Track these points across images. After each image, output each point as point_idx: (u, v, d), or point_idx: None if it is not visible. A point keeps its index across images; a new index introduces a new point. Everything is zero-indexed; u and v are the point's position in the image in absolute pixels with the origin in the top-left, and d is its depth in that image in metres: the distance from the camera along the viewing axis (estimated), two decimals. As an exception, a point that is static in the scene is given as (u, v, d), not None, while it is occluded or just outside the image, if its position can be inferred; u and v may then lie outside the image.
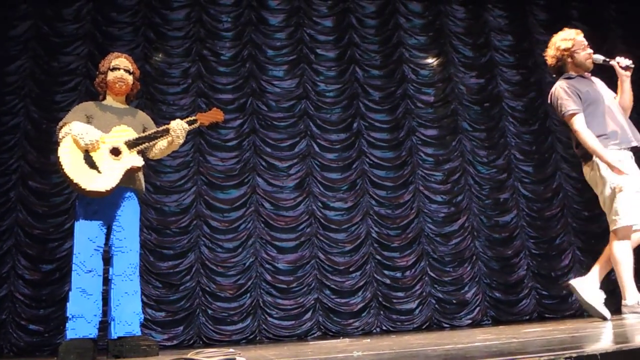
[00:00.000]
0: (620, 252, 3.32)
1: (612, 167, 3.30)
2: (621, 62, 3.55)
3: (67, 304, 2.92)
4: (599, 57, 3.61)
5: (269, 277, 6.48)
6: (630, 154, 3.47)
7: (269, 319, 6.32)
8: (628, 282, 3.30)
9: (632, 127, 3.55)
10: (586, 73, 3.68)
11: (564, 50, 3.63)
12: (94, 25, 6.79)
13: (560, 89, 3.56)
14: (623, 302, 3.36)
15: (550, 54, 3.71)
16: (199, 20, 7.10)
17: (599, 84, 3.69)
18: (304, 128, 7.07)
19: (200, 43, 7.05)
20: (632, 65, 3.54)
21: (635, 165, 3.46)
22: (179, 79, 6.92)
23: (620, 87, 3.63)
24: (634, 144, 3.46)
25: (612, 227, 3.39)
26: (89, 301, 2.92)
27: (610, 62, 3.59)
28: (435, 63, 7.69)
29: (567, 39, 3.65)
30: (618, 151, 3.41)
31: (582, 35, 3.68)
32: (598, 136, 3.41)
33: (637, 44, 7.97)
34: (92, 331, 2.91)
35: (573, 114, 3.46)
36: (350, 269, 6.68)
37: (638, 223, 3.33)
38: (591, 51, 3.64)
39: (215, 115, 3.39)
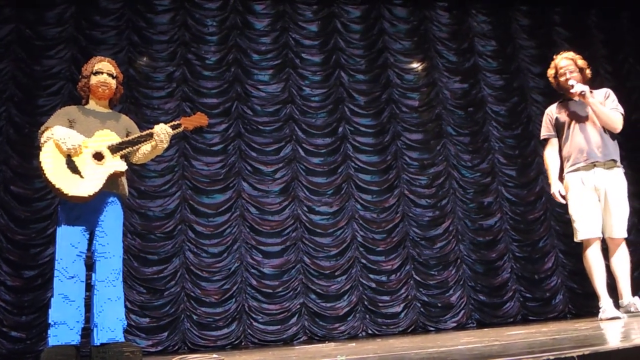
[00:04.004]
0: (586, 262, 3.67)
1: (552, 194, 3.81)
2: (575, 89, 3.70)
3: (49, 310, 2.88)
4: (571, 83, 3.77)
5: (254, 282, 6.46)
6: (595, 169, 3.67)
7: (255, 324, 6.30)
8: (597, 288, 3.60)
9: (600, 144, 3.69)
10: (570, 94, 3.82)
11: (550, 75, 3.95)
12: (77, 29, 6.73)
13: (544, 114, 4.00)
14: (599, 304, 3.60)
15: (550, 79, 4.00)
16: (183, 24, 7.08)
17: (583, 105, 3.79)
18: (290, 132, 7.07)
19: (185, 47, 7.02)
20: (584, 92, 3.67)
21: (592, 181, 3.67)
22: (163, 83, 6.89)
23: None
24: (591, 160, 3.67)
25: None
26: (72, 307, 2.88)
27: (571, 90, 3.73)
28: (419, 68, 7.74)
29: (552, 66, 3.91)
30: (574, 173, 3.72)
31: (566, 59, 3.84)
32: (562, 159, 3.84)
33: (618, 49, 8.11)
34: (74, 338, 2.87)
35: (542, 139, 3.99)
36: (336, 273, 6.68)
37: (590, 235, 3.65)
38: (569, 76, 3.78)
39: (199, 119, 3.38)
